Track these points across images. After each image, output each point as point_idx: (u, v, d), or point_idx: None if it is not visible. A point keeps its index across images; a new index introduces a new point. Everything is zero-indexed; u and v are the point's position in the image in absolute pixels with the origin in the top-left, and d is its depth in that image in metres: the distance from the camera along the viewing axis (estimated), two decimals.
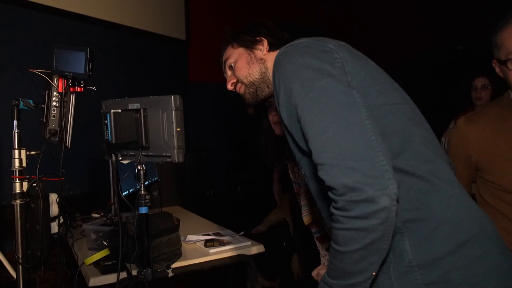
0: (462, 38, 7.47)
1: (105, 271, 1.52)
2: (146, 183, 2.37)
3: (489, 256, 0.81)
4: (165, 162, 0.97)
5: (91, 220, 2.26)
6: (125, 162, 1.04)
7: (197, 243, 1.92)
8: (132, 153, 1.01)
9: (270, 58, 1.12)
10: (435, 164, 0.84)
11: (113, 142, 0.88)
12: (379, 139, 0.74)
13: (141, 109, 0.95)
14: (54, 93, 1.36)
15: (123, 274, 1.55)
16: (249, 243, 1.89)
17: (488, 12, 6.85)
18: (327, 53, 0.86)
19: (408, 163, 0.81)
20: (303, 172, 0.97)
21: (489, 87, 2.66)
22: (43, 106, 1.40)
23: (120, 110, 0.93)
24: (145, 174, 1.01)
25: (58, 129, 1.37)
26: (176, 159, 0.95)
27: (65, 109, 1.32)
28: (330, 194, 0.75)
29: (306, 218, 1.64)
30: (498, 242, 0.84)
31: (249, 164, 6.15)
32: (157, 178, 2.52)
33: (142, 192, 1.01)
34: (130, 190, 2.06)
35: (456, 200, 0.83)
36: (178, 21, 5.57)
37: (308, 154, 0.87)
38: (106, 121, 0.88)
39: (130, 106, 0.98)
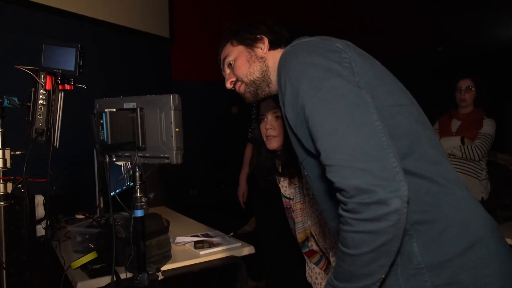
0: (442, 40, 7.64)
1: (93, 274, 1.47)
2: (132, 184, 2.33)
3: (496, 258, 0.81)
4: (162, 164, 0.94)
5: (75, 221, 2.19)
6: (119, 163, 1.00)
7: (186, 244, 1.89)
8: (128, 154, 0.98)
9: (271, 56, 1.10)
10: (442, 166, 0.84)
11: (109, 142, 0.85)
12: (389, 140, 0.73)
13: (138, 109, 0.92)
14: (41, 91, 1.31)
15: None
16: (239, 244, 1.87)
17: (466, 15, 7.03)
18: (335, 52, 0.85)
19: (416, 164, 0.81)
20: (305, 173, 0.95)
21: (473, 89, 2.71)
22: (28, 104, 1.35)
23: (114, 109, 0.90)
24: (140, 175, 0.98)
25: (45, 128, 1.32)
26: (174, 161, 0.92)
27: (53, 108, 1.27)
28: (339, 196, 0.73)
29: (299, 236, 1.62)
30: (503, 243, 0.85)
31: (233, 164, 6.12)
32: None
33: (138, 194, 0.97)
34: (117, 191, 2.01)
35: (464, 201, 0.83)
36: (162, 18, 5.49)
37: (313, 154, 0.86)
38: (101, 121, 0.84)
39: (126, 105, 0.94)
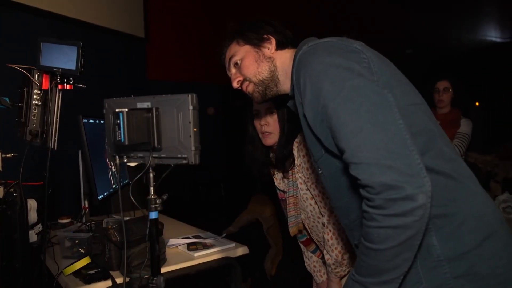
0: (410, 42, 7.91)
1: (89, 280, 1.43)
2: (117, 186, 2.27)
3: (509, 248, 0.86)
4: (180, 165, 0.92)
5: (58, 226, 2.12)
6: (132, 164, 0.98)
7: (179, 247, 1.86)
8: (141, 154, 0.95)
9: (279, 57, 1.11)
10: (457, 162, 0.88)
11: (126, 143, 0.82)
12: (411, 138, 0.76)
13: (153, 108, 0.90)
14: (35, 91, 1.26)
15: (108, 283, 1.47)
16: (233, 245, 1.86)
17: (432, 19, 7.31)
18: (354, 53, 0.87)
19: (433, 161, 0.84)
20: (320, 171, 0.97)
21: (450, 90, 2.83)
22: (20, 104, 1.29)
23: (127, 110, 0.87)
24: (154, 177, 0.96)
25: (39, 129, 1.27)
26: (193, 161, 0.91)
27: (50, 108, 1.22)
28: (364, 193, 0.75)
29: (292, 229, 1.64)
30: (511, 235, 0.90)
31: (210, 165, 6.08)
32: (127, 180, 2.41)
33: (152, 196, 0.95)
34: (105, 194, 1.96)
35: (478, 196, 0.88)
36: (136, 17, 5.37)
37: (331, 152, 0.87)
38: (118, 121, 0.82)
39: (139, 105, 0.92)
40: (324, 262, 1.70)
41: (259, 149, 1.57)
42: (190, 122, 0.90)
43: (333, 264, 1.48)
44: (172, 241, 1.90)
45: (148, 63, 5.66)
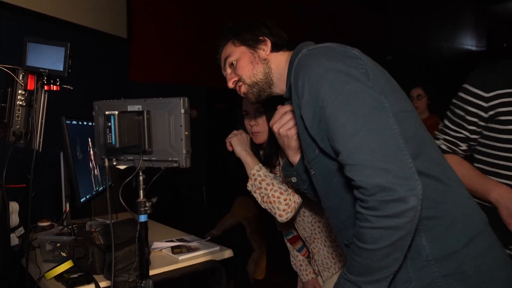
0: (390, 49, 8.09)
1: (72, 284, 1.40)
2: (101, 188, 2.24)
3: (493, 249, 0.91)
4: (170, 168, 0.92)
5: (38, 229, 2.07)
6: (122, 167, 0.97)
7: (163, 250, 1.85)
8: (131, 157, 0.95)
9: (274, 59, 1.12)
10: (445, 167, 0.92)
11: (117, 146, 0.82)
12: (404, 142, 0.79)
13: (145, 111, 0.90)
14: (20, 91, 1.23)
15: (91, 287, 1.45)
16: (218, 248, 1.86)
17: (413, 27, 7.51)
18: (352, 58, 0.90)
19: (424, 165, 0.87)
20: (312, 172, 0.99)
21: (423, 96, 2.91)
22: (4, 105, 1.26)
23: (117, 112, 0.87)
24: (144, 180, 0.95)
25: (23, 131, 1.24)
26: (184, 164, 0.91)
27: (35, 109, 1.20)
28: (358, 194, 0.78)
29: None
30: (495, 236, 0.94)
31: (192, 168, 6.04)
32: (111, 183, 2.38)
33: (142, 198, 0.95)
34: (87, 196, 1.93)
35: (465, 199, 0.92)
36: (119, 17, 5.31)
37: (326, 154, 0.90)
38: (109, 124, 0.81)
39: (130, 108, 0.92)
40: (310, 262, 1.72)
41: (250, 147, 1.60)
42: (181, 126, 0.91)
43: None
44: (156, 244, 1.88)
45: (130, 64, 5.60)
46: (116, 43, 5.24)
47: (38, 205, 2.72)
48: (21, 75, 1.22)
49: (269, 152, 1.53)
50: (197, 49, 5.66)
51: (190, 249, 1.83)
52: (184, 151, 0.91)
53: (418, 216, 0.77)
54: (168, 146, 0.92)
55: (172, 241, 1.96)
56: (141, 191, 0.95)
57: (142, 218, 0.95)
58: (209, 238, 1.99)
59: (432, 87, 2.95)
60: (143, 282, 0.95)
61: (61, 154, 2.04)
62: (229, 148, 1.51)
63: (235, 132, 1.52)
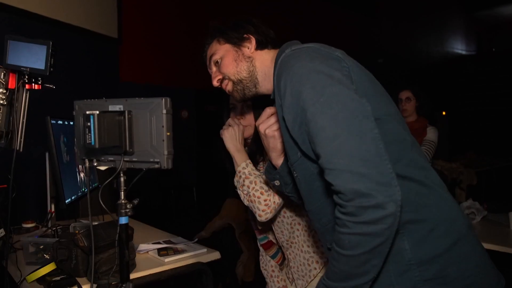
0: (381, 52, 8.15)
1: (54, 287, 1.38)
2: (85, 190, 2.21)
3: (475, 253, 0.90)
4: (151, 169, 0.91)
5: (22, 231, 2.04)
6: (102, 168, 0.95)
7: (149, 252, 1.83)
8: (112, 158, 0.93)
9: (258, 57, 1.11)
10: (427, 170, 0.91)
11: (97, 146, 0.80)
12: (385, 147, 0.78)
13: (126, 111, 0.89)
14: (1, 90, 1.21)
15: None
16: (205, 250, 1.84)
17: (403, 31, 7.58)
18: (336, 60, 0.89)
19: (406, 169, 0.86)
20: (295, 175, 0.98)
21: (412, 99, 2.92)
22: None
23: (98, 112, 0.85)
24: (125, 181, 0.94)
25: (4, 130, 1.22)
26: (165, 165, 0.90)
27: (16, 108, 1.18)
28: (336, 199, 0.77)
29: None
30: (478, 239, 0.94)
31: (181, 169, 6.02)
32: (97, 184, 2.35)
33: (123, 200, 0.93)
34: (73, 198, 1.90)
35: (448, 202, 0.91)
36: (110, 17, 5.27)
37: (308, 157, 0.89)
38: (88, 123, 0.79)
39: (111, 108, 0.90)
40: (281, 269, 1.69)
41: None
42: (163, 126, 0.89)
43: None
44: (142, 247, 1.86)
45: (121, 64, 5.56)
46: (106, 43, 5.21)
47: (23, 206, 2.68)
48: (2, 73, 1.20)
49: (254, 148, 1.51)
50: (187, 51, 5.65)
51: (176, 251, 1.81)
52: (165, 152, 0.89)
53: (397, 223, 0.75)
54: (149, 147, 0.90)
55: (159, 243, 1.94)
56: (122, 192, 0.93)
57: (123, 220, 0.94)
58: (196, 240, 1.97)
59: (420, 90, 2.96)
60: (124, 285, 0.93)
61: (46, 154, 2.01)
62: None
63: (230, 122, 1.47)
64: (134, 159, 0.92)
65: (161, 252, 1.80)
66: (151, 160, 0.91)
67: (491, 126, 8.85)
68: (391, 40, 7.86)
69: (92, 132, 0.80)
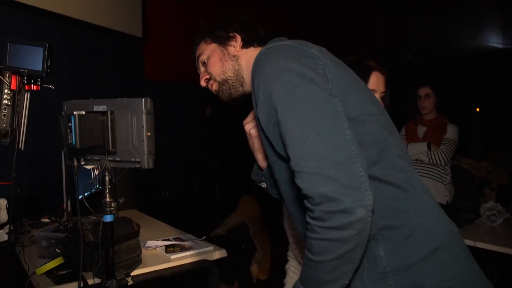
0: (411, 47, 7.89)
1: (59, 281, 1.43)
2: (100, 187, 2.27)
3: (457, 262, 0.84)
4: (133, 168, 0.92)
5: (41, 225, 2.12)
6: (88, 167, 0.98)
7: (157, 248, 1.86)
8: (97, 157, 0.95)
9: (244, 55, 1.09)
10: (408, 173, 0.87)
11: (78, 146, 0.82)
12: (357, 149, 0.74)
13: (108, 112, 0.90)
14: (6, 91, 1.26)
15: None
16: (211, 248, 1.86)
17: (434, 23, 7.29)
18: (310, 58, 0.85)
19: (384, 171, 0.82)
20: (275, 176, 0.96)
21: (432, 96, 2.81)
22: None
23: (84, 112, 0.87)
24: (110, 180, 0.96)
25: (9, 129, 1.27)
26: (146, 165, 0.91)
27: (18, 108, 1.23)
28: (306, 203, 0.74)
29: None
30: (464, 248, 0.88)
31: (205, 165, 6.08)
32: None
33: (107, 199, 0.95)
34: (86, 194, 1.96)
35: (428, 207, 0.86)
36: (134, 17, 5.38)
37: (283, 158, 0.86)
38: (70, 124, 0.82)
39: (96, 108, 0.92)
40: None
41: None
42: (143, 127, 0.90)
43: None
44: (150, 243, 1.90)
45: (145, 63, 5.67)
46: (132, 43, 5.32)
47: (45, 202, 2.79)
48: (7, 74, 1.25)
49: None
50: None
51: (183, 249, 1.83)
52: (146, 152, 0.90)
53: (368, 228, 0.72)
54: (131, 147, 0.91)
55: (168, 239, 1.97)
56: (107, 191, 0.95)
57: (108, 218, 0.95)
58: (204, 238, 1.98)
59: (441, 85, 2.83)
60: (107, 282, 0.95)
61: (62, 152, 2.08)
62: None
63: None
64: (117, 159, 0.94)
65: (169, 249, 1.83)
66: (133, 160, 0.92)
67: None
68: (421, 34, 7.59)
69: (73, 132, 0.82)
